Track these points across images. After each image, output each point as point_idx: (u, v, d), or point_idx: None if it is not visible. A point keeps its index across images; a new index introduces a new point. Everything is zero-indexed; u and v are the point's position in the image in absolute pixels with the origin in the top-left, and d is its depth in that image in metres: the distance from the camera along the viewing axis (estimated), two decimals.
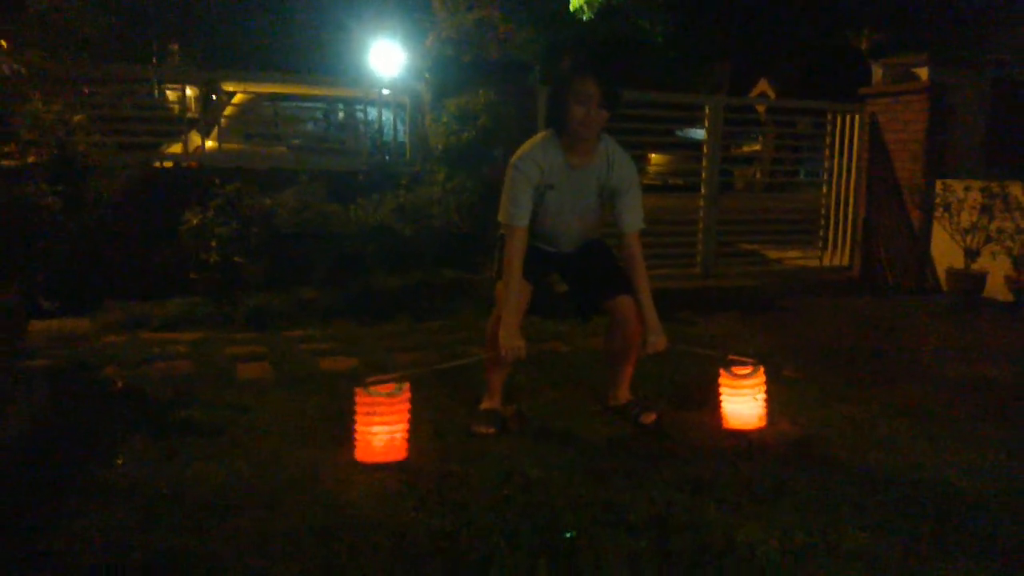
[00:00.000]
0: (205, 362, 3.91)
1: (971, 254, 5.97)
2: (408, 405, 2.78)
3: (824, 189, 7.02)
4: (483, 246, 5.83)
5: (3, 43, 4.28)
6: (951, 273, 6.07)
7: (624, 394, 3.27)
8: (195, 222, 4.95)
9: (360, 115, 6.88)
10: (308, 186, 5.51)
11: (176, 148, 6.29)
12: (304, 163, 6.06)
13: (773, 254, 7.23)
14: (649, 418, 3.12)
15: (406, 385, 2.78)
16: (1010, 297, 5.82)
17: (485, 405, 3.14)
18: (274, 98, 7.23)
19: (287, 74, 8.71)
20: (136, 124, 5.78)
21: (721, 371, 3.15)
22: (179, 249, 5.00)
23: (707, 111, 6.47)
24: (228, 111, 6.79)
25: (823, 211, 7.04)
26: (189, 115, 6.15)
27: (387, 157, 6.50)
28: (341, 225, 5.43)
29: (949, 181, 6.24)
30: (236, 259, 4.92)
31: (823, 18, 13.33)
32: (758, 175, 8.94)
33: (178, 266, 4.98)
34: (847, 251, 6.99)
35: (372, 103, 6.64)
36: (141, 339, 4.27)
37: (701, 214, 6.48)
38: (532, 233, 3.06)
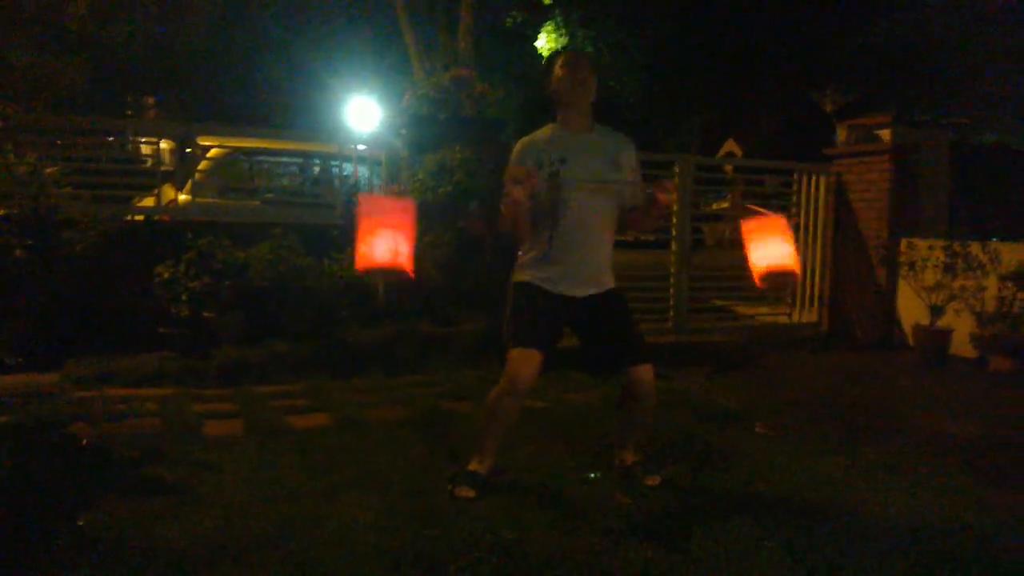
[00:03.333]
0: (174, 419, 3.83)
1: (936, 311, 6.09)
2: (413, 217, 2.70)
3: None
4: (459, 300, 5.85)
5: None
6: (917, 330, 6.18)
7: (631, 455, 3.18)
8: (167, 276, 4.91)
9: (336, 170, 6.92)
10: (282, 240, 5.50)
11: (149, 201, 6.27)
12: (278, 217, 6.07)
13: (744, 310, 7.31)
14: (654, 480, 3.07)
15: (411, 200, 2.72)
16: (975, 354, 5.93)
17: (473, 467, 2.98)
18: (249, 152, 7.27)
19: (263, 129, 8.77)
20: (110, 177, 5.76)
21: (742, 221, 3.06)
22: (150, 303, 4.94)
23: (677, 169, 6.61)
24: (203, 165, 6.80)
25: None
26: (163, 168, 6.15)
27: None
28: (315, 279, 5.41)
29: (914, 240, 6.41)
30: (207, 314, 4.87)
31: (788, 79, 13.81)
32: (727, 232, 9.09)
33: (149, 320, 4.92)
34: (816, 308, 7.10)
35: (348, 158, 6.69)
36: (109, 395, 4.18)
37: (672, 270, 6.56)
38: (549, 257, 2.95)
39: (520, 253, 3.09)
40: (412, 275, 2.76)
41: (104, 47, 11.02)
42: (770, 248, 3.03)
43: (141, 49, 11.81)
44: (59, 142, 5.63)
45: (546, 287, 2.98)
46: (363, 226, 2.70)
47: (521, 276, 3.05)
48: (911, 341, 6.36)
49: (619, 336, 3.02)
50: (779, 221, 3.09)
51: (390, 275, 2.77)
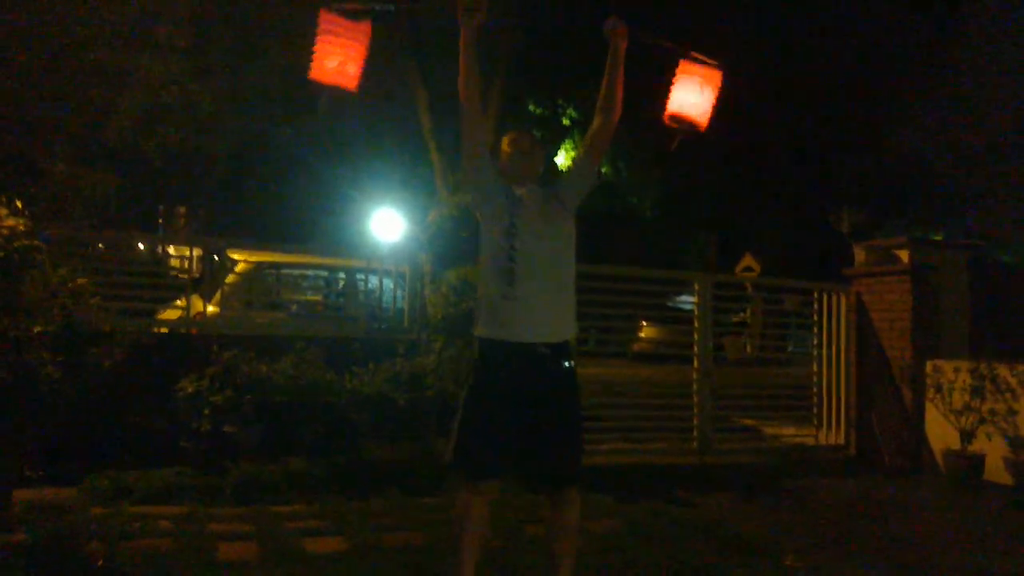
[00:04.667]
0: (188, 540, 3.76)
1: (966, 435, 5.95)
2: (368, 37, 2.88)
3: (815, 367, 7.10)
4: None
5: (19, 204, 4.44)
6: (948, 455, 6.03)
7: None
8: (190, 389, 4.94)
9: (360, 284, 7.03)
10: (305, 353, 5.53)
11: (177, 312, 6.38)
12: (303, 330, 6.12)
13: (769, 430, 7.19)
14: None
15: (368, 21, 2.86)
16: (1010, 480, 5.75)
17: None
18: (276, 266, 7.42)
19: (290, 244, 8.99)
20: (139, 291, 5.88)
21: (681, 61, 3.21)
22: (173, 416, 4.95)
23: (697, 287, 6.66)
24: (230, 279, 6.94)
25: (815, 388, 7.07)
26: (192, 276, 6.28)
27: (385, 325, 6.59)
28: (336, 394, 5.41)
29: (939, 362, 6.34)
30: (227, 428, 4.87)
31: (803, 199, 14.09)
32: (748, 348, 9.04)
33: (170, 434, 4.92)
34: (842, 429, 6.96)
35: (373, 271, 6.80)
36: (126, 512, 4.12)
37: (695, 388, 6.50)
38: (509, 295, 2.87)
39: (480, 297, 3.04)
40: (356, 88, 2.94)
41: (139, 159, 11.51)
42: (690, 95, 3.21)
43: (174, 162, 12.30)
44: (88, 253, 5.78)
45: (506, 338, 2.89)
46: (320, 41, 2.88)
47: (481, 328, 2.96)
48: (942, 467, 6.18)
49: (556, 449, 2.91)
50: (713, 75, 3.24)
51: (335, 91, 2.92)
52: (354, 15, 2.96)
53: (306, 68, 2.95)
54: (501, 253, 2.91)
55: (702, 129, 3.27)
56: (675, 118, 3.27)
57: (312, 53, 2.94)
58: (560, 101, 13.73)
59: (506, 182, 3.04)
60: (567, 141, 13.68)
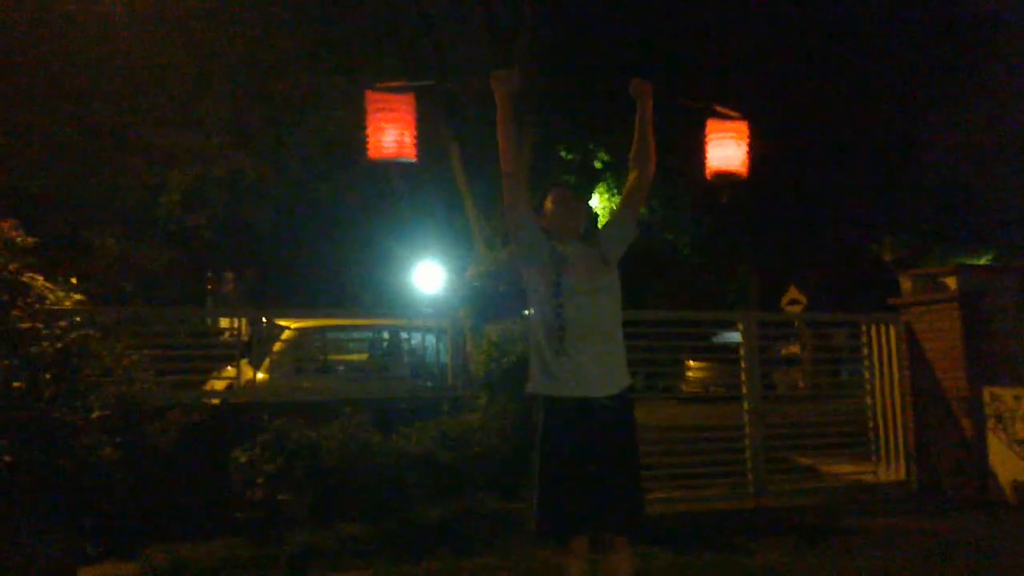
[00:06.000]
0: None
1: None
2: (413, 107, 3.05)
3: (868, 400, 6.92)
4: (525, 472, 5.77)
5: (73, 280, 4.61)
6: (1017, 487, 5.80)
7: None
8: (243, 460, 5.02)
9: (404, 344, 7.12)
10: (352, 417, 5.59)
11: (226, 381, 6.51)
12: (349, 393, 6.21)
13: (826, 468, 7.01)
14: None
15: (411, 93, 3.04)
16: None
17: None
18: (322, 330, 7.55)
19: (335, 309, 9.16)
20: (190, 363, 6.03)
21: (708, 120, 3.33)
22: (226, 486, 5.03)
23: (741, 327, 6.58)
24: (278, 346, 7.08)
25: (871, 423, 6.89)
26: (242, 340, 6.43)
27: (429, 383, 6.64)
28: (384, 455, 5.44)
29: (997, 390, 6.14)
30: (280, 496, 4.92)
31: (845, 230, 13.87)
32: (800, 384, 8.89)
33: (224, 504, 4.99)
34: (902, 464, 6.75)
35: (415, 329, 6.89)
36: None
37: (747, 430, 6.38)
38: (563, 351, 2.93)
39: (532, 354, 3.08)
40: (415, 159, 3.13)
41: (187, 230, 11.93)
42: (726, 150, 3.34)
43: (221, 231, 12.68)
44: (139, 331, 5.96)
45: (564, 394, 2.94)
46: (372, 120, 3.03)
47: (538, 385, 3.01)
48: (1011, 498, 5.95)
49: (614, 492, 2.92)
50: (741, 127, 3.36)
51: (399, 164, 3.12)
52: (397, 90, 3.13)
53: (358, 141, 3.11)
54: (549, 311, 2.98)
55: (744, 177, 3.41)
56: (717, 175, 3.40)
57: (365, 135, 3.09)
58: (591, 145, 13.83)
59: (550, 239, 3.10)
60: (600, 184, 13.76)
